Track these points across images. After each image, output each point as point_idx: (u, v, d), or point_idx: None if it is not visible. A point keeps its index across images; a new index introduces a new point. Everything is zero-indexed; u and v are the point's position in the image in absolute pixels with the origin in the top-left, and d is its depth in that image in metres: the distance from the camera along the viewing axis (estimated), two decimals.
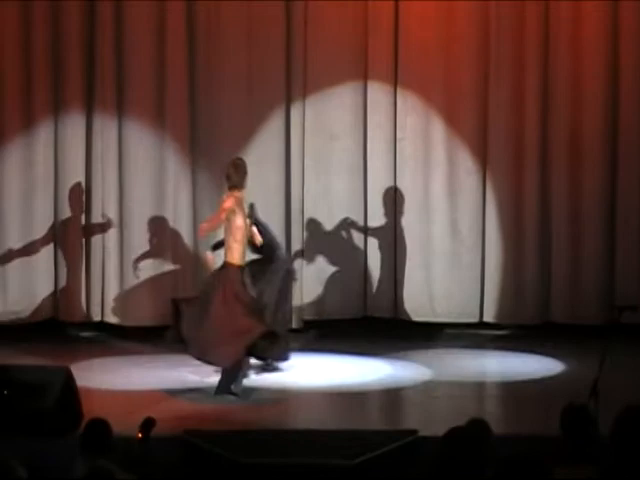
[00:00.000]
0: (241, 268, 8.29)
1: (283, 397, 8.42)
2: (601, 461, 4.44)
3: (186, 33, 10.68)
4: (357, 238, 10.95)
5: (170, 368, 9.16)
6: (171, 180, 10.76)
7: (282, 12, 10.75)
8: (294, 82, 10.82)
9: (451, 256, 10.86)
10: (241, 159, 8.74)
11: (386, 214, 10.92)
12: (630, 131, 10.69)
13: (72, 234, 10.70)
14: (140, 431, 5.43)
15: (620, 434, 3.94)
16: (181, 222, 10.75)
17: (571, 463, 4.85)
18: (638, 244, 10.68)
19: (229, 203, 8.25)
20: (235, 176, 8.35)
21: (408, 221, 10.87)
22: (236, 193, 8.34)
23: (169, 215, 10.74)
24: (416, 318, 10.82)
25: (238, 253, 8.23)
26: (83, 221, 10.71)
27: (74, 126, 10.68)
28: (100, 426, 5.23)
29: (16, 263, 10.62)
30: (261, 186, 10.38)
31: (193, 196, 10.77)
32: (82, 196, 10.68)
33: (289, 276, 9.59)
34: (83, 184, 10.68)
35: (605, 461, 4.21)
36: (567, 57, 10.69)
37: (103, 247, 10.69)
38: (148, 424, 5.46)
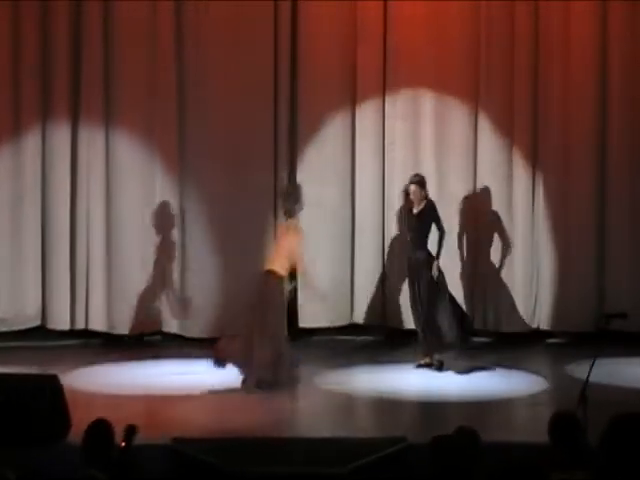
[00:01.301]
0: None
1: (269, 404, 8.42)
2: (591, 469, 4.44)
3: (175, 40, 10.69)
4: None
5: (157, 375, 9.16)
6: (158, 190, 10.74)
7: (270, 13, 10.72)
8: (281, 88, 10.80)
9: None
10: (291, 186, 9.28)
11: (373, 221, 10.94)
12: (620, 133, 10.70)
13: (59, 242, 10.67)
14: (122, 439, 5.38)
15: (610, 442, 3.92)
16: (168, 232, 10.72)
17: (561, 471, 4.86)
18: None
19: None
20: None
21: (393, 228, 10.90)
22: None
23: (156, 225, 10.72)
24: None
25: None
26: (69, 229, 10.69)
27: (60, 135, 10.64)
28: (103, 428, 5.18)
29: (4, 271, 10.60)
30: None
31: (180, 206, 10.75)
32: (69, 205, 10.66)
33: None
34: (69, 193, 10.66)
35: (595, 469, 4.20)
36: (558, 58, 10.69)
37: (88, 256, 10.66)
38: (130, 432, 5.41)
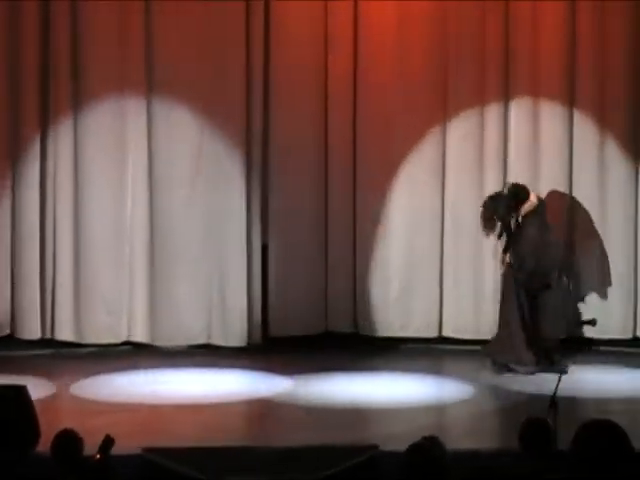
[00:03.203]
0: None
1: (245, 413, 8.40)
2: (561, 475, 4.45)
3: (145, 41, 10.63)
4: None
5: (129, 384, 9.14)
6: (129, 197, 10.69)
7: (242, 14, 10.68)
8: (254, 89, 10.78)
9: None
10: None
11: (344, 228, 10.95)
12: (585, 131, 10.74)
13: (27, 250, 10.60)
14: (99, 451, 5.34)
15: (580, 448, 3.94)
16: (136, 239, 10.67)
17: (531, 477, 4.87)
18: None
19: None
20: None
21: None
22: None
23: (125, 232, 10.66)
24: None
25: None
26: (38, 237, 10.61)
27: (30, 140, 10.57)
28: (70, 438, 5.15)
29: None
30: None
31: (150, 213, 10.69)
32: (37, 212, 10.60)
33: None
34: (38, 201, 10.59)
35: (565, 475, 4.22)
36: (526, 58, 10.71)
37: (54, 264, 10.59)
38: (107, 443, 5.37)
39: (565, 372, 8.37)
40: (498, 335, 9.78)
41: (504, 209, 9.65)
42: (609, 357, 10.18)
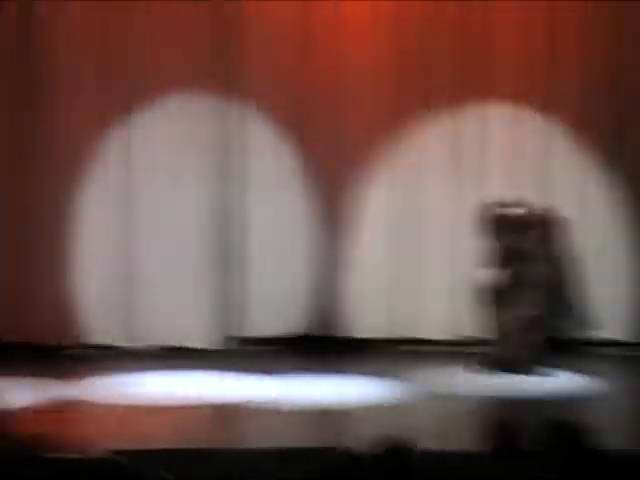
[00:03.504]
0: None
1: (215, 415, 8.37)
2: (529, 475, 4.46)
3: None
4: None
5: (98, 386, 9.09)
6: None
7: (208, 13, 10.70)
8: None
9: None
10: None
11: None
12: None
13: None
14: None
15: (550, 449, 3.95)
16: (56, 247, 10.62)
17: (501, 478, 4.87)
18: None
19: None
20: None
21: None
22: None
23: (43, 240, 10.59)
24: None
25: None
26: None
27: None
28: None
29: None
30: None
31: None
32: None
33: None
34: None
35: (533, 475, 4.23)
36: (478, 56, 10.78)
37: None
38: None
39: (550, 375, 8.39)
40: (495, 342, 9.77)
41: None
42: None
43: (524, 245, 9.65)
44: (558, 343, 9.86)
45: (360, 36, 10.81)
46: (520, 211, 9.68)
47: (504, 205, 9.72)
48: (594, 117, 10.77)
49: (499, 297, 9.69)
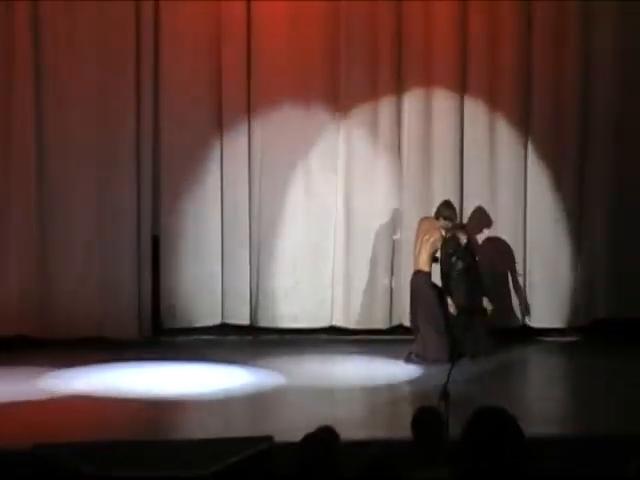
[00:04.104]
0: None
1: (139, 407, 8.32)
2: (453, 463, 4.50)
3: (32, 40, 10.46)
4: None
5: (20, 380, 8.98)
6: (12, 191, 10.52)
7: (132, 14, 10.60)
8: (144, 89, 10.69)
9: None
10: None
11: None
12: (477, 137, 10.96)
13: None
14: None
15: (471, 435, 3.98)
16: (22, 245, 10.52)
17: (425, 466, 4.91)
18: None
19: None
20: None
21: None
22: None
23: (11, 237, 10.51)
24: None
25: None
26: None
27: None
28: None
29: None
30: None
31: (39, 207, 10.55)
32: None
33: None
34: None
35: (457, 463, 4.26)
36: (419, 56, 10.84)
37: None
38: None
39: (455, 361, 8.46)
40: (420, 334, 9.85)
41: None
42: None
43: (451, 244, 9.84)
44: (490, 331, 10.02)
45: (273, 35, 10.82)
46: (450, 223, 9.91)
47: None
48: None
49: (432, 287, 9.83)
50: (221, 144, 10.87)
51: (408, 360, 9.74)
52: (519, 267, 10.95)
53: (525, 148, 11.01)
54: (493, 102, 10.93)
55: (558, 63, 10.90)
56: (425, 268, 9.84)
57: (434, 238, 9.85)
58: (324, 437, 4.80)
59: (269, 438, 6.88)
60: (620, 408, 8.15)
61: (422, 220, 10.15)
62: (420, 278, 9.86)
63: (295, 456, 4.79)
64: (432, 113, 10.90)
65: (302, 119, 10.84)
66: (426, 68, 10.85)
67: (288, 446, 6.01)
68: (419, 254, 9.88)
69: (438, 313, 9.78)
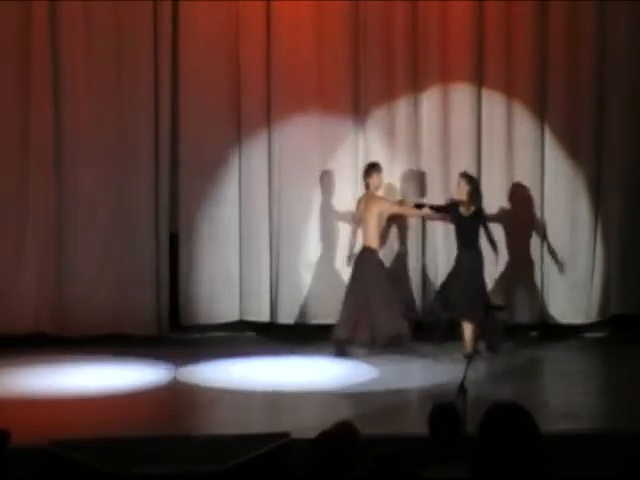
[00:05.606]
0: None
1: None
2: (470, 459, 4.47)
3: (49, 42, 10.46)
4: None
5: (33, 376, 8.99)
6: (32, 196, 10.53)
7: (150, 13, 10.60)
8: (162, 91, 10.68)
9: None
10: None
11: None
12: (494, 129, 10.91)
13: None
14: None
15: (487, 433, 3.95)
16: (39, 240, 10.53)
17: (441, 462, 4.88)
18: None
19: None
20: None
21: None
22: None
23: (30, 233, 10.51)
24: None
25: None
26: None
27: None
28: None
29: None
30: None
31: (58, 213, 10.56)
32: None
33: None
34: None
35: (474, 459, 4.23)
36: (436, 56, 10.82)
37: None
38: (2, 437, 5.19)
39: (472, 357, 8.43)
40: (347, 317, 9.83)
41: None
42: None
43: None
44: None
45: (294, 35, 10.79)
46: None
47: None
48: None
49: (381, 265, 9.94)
50: (239, 143, 10.85)
51: (339, 354, 9.70)
52: (536, 261, 10.91)
53: (542, 141, 10.96)
54: (510, 98, 10.88)
55: (575, 58, 10.85)
56: (373, 244, 9.87)
57: (379, 208, 9.91)
58: (339, 433, 4.76)
59: (286, 434, 6.86)
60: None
61: (358, 202, 10.16)
62: (370, 256, 9.86)
63: (311, 452, 4.76)
64: (450, 111, 10.86)
65: (321, 120, 10.81)
66: (442, 67, 10.82)
67: (305, 442, 5.98)
68: (366, 231, 9.90)
69: (390, 291, 9.77)
